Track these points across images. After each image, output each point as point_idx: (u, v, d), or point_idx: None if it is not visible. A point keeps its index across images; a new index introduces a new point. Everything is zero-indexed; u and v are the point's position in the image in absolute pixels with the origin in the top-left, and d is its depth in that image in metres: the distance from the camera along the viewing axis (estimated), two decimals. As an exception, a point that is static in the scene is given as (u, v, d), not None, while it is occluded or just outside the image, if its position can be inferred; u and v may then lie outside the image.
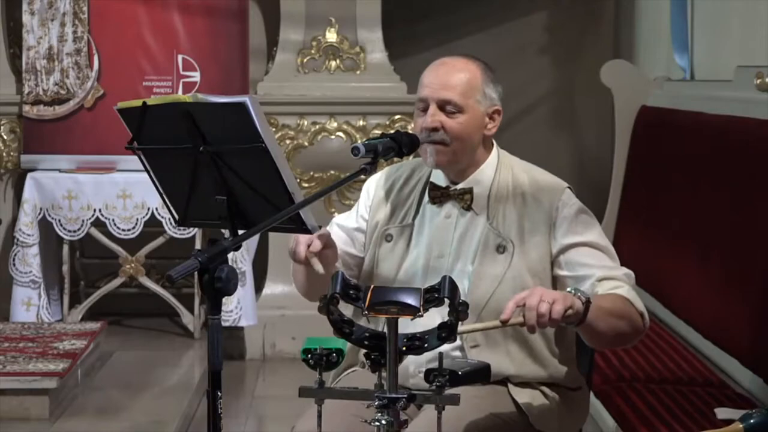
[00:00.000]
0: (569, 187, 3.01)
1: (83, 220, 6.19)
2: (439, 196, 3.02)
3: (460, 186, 3.01)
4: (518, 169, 3.05)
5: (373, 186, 3.14)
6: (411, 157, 3.05)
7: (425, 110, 2.96)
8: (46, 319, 6.13)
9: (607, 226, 5.72)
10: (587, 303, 2.68)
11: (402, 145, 2.87)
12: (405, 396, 2.45)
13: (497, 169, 3.02)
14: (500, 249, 2.95)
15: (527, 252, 2.94)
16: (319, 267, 2.80)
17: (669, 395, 3.84)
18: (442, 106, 2.94)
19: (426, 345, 2.50)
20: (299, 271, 3.01)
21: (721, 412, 3.62)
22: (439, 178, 3.05)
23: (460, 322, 2.46)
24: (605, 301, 2.81)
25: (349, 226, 3.14)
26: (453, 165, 2.99)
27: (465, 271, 2.95)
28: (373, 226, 3.09)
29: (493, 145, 3.06)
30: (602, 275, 2.90)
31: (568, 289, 2.73)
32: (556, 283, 2.95)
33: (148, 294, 6.43)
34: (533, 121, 7.41)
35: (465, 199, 3.00)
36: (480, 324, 2.74)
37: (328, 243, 2.86)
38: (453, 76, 2.96)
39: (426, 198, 3.05)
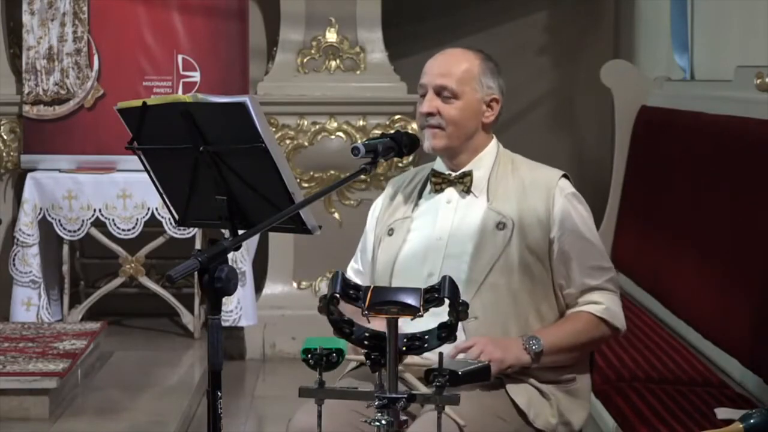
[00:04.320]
0: (566, 175, 3.08)
1: (83, 220, 6.19)
2: (440, 182, 3.09)
3: (460, 171, 3.08)
4: (518, 161, 3.13)
5: (379, 202, 3.23)
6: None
7: (425, 96, 3.05)
8: (46, 319, 6.12)
9: (607, 226, 5.72)
10: (538, 355, 2.89)
11: (402, 145, 2.89)
12: (405, 396, 2.45)
13: (497, 158, 3.10)
14: (500, 225, 3.00)
15: (526, 234, 3.00)
16: None
17: (669, 395, 3.84)
18: (439, 91, 3.03)
19: (426, 345, 2.50)
20: None
21: (721, 412, 3.61)
22: (440, 166, 3.12)
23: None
24: (566, 334, 2.96)
25: (369, 247, 3.20)
26: (449, 150, 3.07)
27: (465, 251, 3.01)
28: (380, 229, 3.17)
29: (493, 137, 3.14)
30: (584, 285, 3.00)
31: (525, 338, 2.90)
32: (553, 271, 3.02)
33: (148, 294, 6.43)
34: (533, 121, 7.40)
35: (465, 182, 3.07)
36: (421, 359, 2.77)
37: None
38: (451, 64, 3.05)
39: (427, 188, 3.12)
